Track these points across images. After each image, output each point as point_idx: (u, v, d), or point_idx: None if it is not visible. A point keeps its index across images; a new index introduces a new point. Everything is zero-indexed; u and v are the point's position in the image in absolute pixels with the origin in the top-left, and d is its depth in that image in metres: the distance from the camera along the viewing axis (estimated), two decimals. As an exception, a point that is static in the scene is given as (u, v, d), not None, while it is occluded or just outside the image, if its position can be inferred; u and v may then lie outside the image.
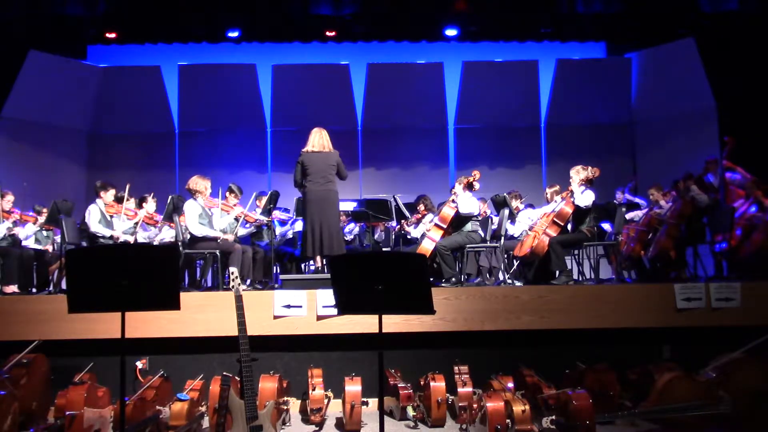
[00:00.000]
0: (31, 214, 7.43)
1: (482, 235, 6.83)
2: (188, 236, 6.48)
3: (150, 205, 7.25)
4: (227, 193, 7.22)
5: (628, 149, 10.89)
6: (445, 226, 6.58)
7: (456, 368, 5.20)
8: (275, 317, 5.39)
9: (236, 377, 4.38)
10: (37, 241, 7.50)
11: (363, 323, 5.08)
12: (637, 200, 8.55)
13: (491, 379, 5.11)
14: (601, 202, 7.42)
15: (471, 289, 5.67)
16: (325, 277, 5.47)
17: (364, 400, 4.84)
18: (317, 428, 4.94)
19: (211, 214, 6.66)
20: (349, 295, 3.57)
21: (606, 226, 7.51)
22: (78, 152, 10.64)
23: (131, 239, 6.94)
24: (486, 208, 7.58)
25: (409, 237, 7.84)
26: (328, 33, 10.28)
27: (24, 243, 7.33)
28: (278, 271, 7.54)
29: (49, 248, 7.46)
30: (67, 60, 10.21)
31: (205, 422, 4.83)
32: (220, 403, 4.00)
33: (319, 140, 6.20)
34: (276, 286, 6.28)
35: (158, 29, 10.20)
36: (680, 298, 5.54)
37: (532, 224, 6.97)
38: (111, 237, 6.71)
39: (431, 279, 6.36)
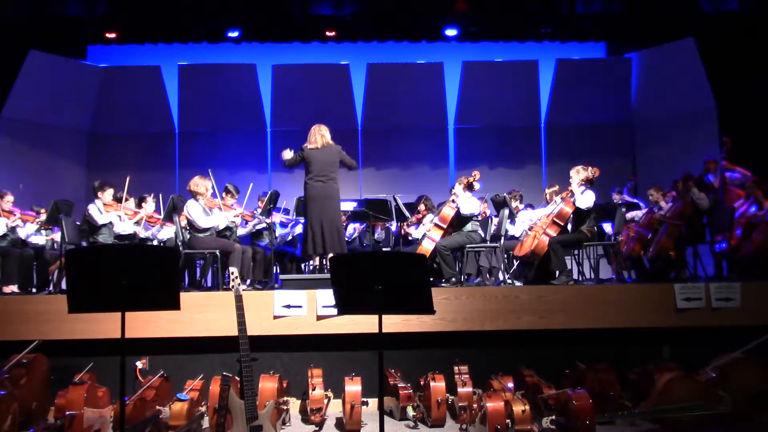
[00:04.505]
0: (30, 214, 7.44)
1: (482, 235, 6.83)
2: (188, 236, 6.48)
3: (149, 204, 7.25)
4: (224, 194, 7.22)
5: (628, 149, 10.89)
6: (445, 226, 6.58)
7: (456, 368, 5.20)
8: (275, 317, 5.39)
9: (236, 377, 4.38)
10: (38, 233, 7.53)
11: (363, 323, 5.08)
12: (635, 202, 8.54)
13: (491, 379, 5.11)
14: (600, 202, 7.42)
15: (471, 289, 5.67)
16: (325, 277, 5.47)
17: (364, 400, 4.84)
18: (317, 428, 4.94)
19: (212, 213, 6.66)
20: (349, 295, 3.57)
21: (607, 227, 7.50)
22: (78, 152, 10.64)
23: (138, 229, 6.96)
24: (486, 208, 7.58)
25: (410, 238, 7.84)
26: (328, 33, 10.28)
27: (29, 240, 7.36)
28: (278, 271, 7.54)
29: (54, 237, 7.47)
30: (67, 60, 10.21)
31: (205, 422, 4.83)
32: (220, 403, 4.00)
33: (319, 137, 6.19)
34: (276, 286, 6.28)
35: (158, 29, 10.19)
36: (680, 298, 5.54)
37: (531, 224, 6.97)
38: (112, 225, 6.73)
39: (431, 279, 6.36)
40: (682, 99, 10.10)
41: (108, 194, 6.87)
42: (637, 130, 10.90)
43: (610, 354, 5.38)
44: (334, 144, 6.24)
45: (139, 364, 5.32)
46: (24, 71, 9.56)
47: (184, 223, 6.67)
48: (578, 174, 6.44)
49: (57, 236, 7.45)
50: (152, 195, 7.41)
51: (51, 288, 7.00)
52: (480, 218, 6.93)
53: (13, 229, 7.06)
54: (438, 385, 4.91)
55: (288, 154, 6.31)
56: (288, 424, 5.03)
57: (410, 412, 4.88)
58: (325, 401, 4.93)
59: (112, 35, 10.08)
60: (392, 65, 10.75)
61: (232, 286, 4.15)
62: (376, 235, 8.48)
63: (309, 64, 10.60)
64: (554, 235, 6.37)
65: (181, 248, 6.43)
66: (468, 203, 6.52)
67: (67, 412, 4.38)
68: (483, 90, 10.64)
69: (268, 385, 4.86)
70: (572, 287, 5.98)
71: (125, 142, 10.73)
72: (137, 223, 7.02)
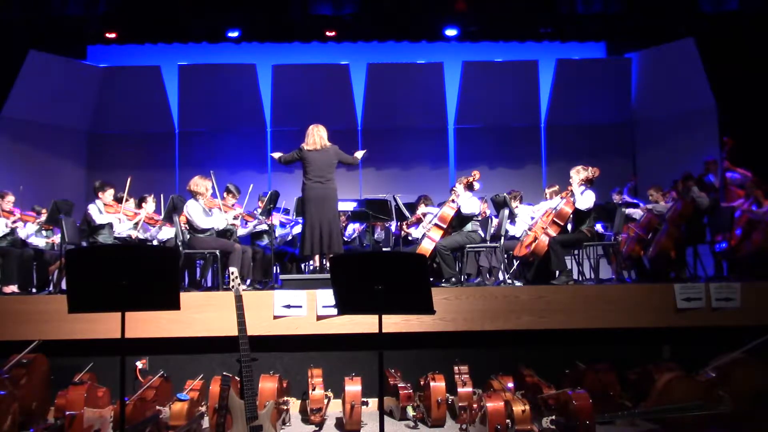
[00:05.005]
0: (30, 214, 7.44)
1: (482, 235, 6.83)
2: (188, 236, 6.48)
3: (150, 205, 7.26)
4: (225, 194, 7.23)
5: (628, 149, 10.89)
6: (445, 226, 6.58)
7: (456, 368, 5.20)
8: (275, 317, 5.39)
9: (236, 377, 4.38)
10: (39, 234, 7.54)
11: (363, 323, 5.08)
12: (635, 202, 8.52)
13: (491, 379, 5.11)
14: (601, 202, 7.43)
15: (471, 289, 5.67)
16: (325, 277, 5.47)
17: (364, 400, 4.84)
18: (317, 428, 4.94)
19: (211, 214, 6.67)
20: (349, 295, 3.57)
21: (598, 227, 7.49)
22: (78, 152, 10.64)
23: (133, 234, 6.96)
24: (486, 208, 7.58)
25: (410, 239, 7.84)
26: (328, 33, 10.28)
27: (29, 240, 7.37)
28: (278, 271, 7.54)
29: (54, 240, 7.48)
30: (67, 60, 10.21)
31: (205, 422, 4.83)
32: (220, 403, 4.00)
33: (318, 138, 6.20)
34: (276, 286, 6.28)
35: (158, 29, 10.19)
36: (680, 298, 5.54)
37: (532, 224, 6.97)
38: (112, 226, 6.73)
39: (431, 279, 6.36)
40: (682, 99, 10.10)
41: (109, 194, 6.87)
42: (637, 130, 10.90)
43: (610, 354, 5.39)
44: (332, 145, 6.25)
45: (139, 364, 5.32)
46: (24, 71, 9.57)
47: (184, 224, 6.67)
48: (578, 174, 6.44)
49: (57, 238, 7.46)
50: (152, 195, 7.42)
51: (51, 288, 7.00)
52: (480, 218, 6.93)
53: (13, 230, 7.06)
54: (438, 385, 4.91)
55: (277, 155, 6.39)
56: (288, 424, 5.03)
57: (410, 412, 4.88)
58: (325, 401, 4.93)
59: (112, 35, 10.08)
60: (392, 65, 10.75)
61: (232, 286, 4.15)
62: (375, 235, 8.48)
63: (309, 64, 10.59)
64: (554, 235, 6.37)
65: (181, 248, 6.44)
66: (469, 203, 6.52)
67: (67, 412, 4.38)
68: (483, 90, 10.63)
69: (268, 385, 4.86)
70: (572, 287, 5.98)
71: (125, 142, 10.73)
72: (135, 224, 7.01)
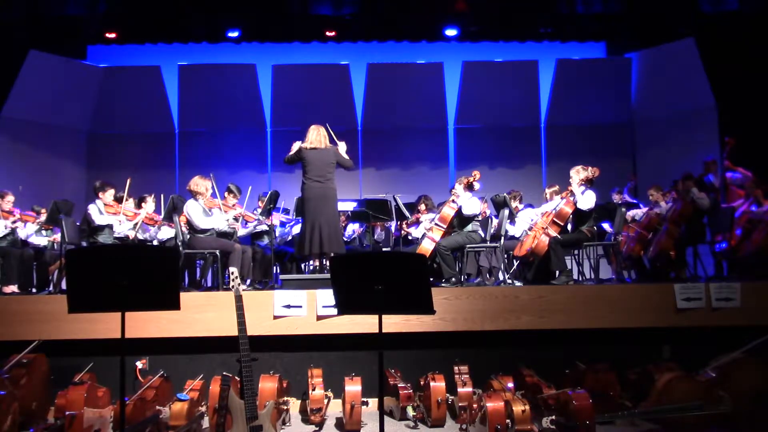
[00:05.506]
0: (30, 214, 7.45)
1: (482, 235, 6.83)
2: (188, 236, 6.48)
3: (149, 205, 7.25)
4: (226, 194, 7.23)
5: (628, 149, 10.90)
6: (445, 227, 6.58)
7: (456, 368, 5.20)
8: (275, 317, 5.39)
9: (236, 377, 4.37)
10: (40, 233, 7.54)
11: (363, 323, 5.08)
12: (635, 203, 8.53)
13: (491, 379, 5.11)
14: (601, 202, 7.43)
15: (471, 289, 5.66)
16: (325, 277, 5.47)
17: (364, 400, 4.84)
18: (317, 428, 4.94)
19: (211, 214, 6.67)
20: (349, 295, 3.57)
21: (606, 226, 7.50)
22: (78, 152, 10.65)
23: (131, 234, 6.95)
24: (486, 208, 7.58)
25: (410, 238, 7.84)
26: (328, 33, 10.30)
27: (29, 240, 7.37)
28: (278, 271, 7.54)
29: (56, 238, 7.48)
30: (67, 60, 10.22)
31: (205, 422, 4.83)
32: (220, 403, 4.00)
33: (316, 136, 6.22)
34: (276, 286, 6.28)
35: (158, 29, 10.21)
36: (680, 298, 5.54)
37: (532, 224, 6.97)
38: (112, 227, 6.73)
39: (431, 279, 6.36)
40: (682, 99, 10.11)
41: (109, 195, 6.87)
42: (637, 130, 10.90)
43: (610, 354, 5.38)
44: (332, 146, 6.25)
45: (139, 364, 5.32)
46: (24, 71, 9.57)
47: (184, 224, 6.66)
48: (578, 174, 6.44)
49: (59, 237, 7.46)
50: (152, 195, 7.42)
51: (51, 288, 7.00)
52: (480, 218, 6.93)
53: (13, 230, 7.06)
54: (438, 385, 4.91)
55: (295, 147, 6.33)
56: (288, 424, 5.03)
57: (410, 412, 4.88)
58: (325, 401, 4.93)
59: (112, 35, 10.10)
60: (392, 65, 10.76)
61: (232, 286, 4.15)
62: (375, 235, 8.48)
63: (309, 64, 10.60)
64: (554, 234, 6.37)
65: (181, 248, 6.44)
66: (470, 203, 6.52)
67: (67, 412, 4.37)
68: (483, 90, 10.64)
69: (268, 385, 4.86)
70: (572, 287, 5.98)
71: (125, 142, 10.74)
72: (134, 225, 7.00)
